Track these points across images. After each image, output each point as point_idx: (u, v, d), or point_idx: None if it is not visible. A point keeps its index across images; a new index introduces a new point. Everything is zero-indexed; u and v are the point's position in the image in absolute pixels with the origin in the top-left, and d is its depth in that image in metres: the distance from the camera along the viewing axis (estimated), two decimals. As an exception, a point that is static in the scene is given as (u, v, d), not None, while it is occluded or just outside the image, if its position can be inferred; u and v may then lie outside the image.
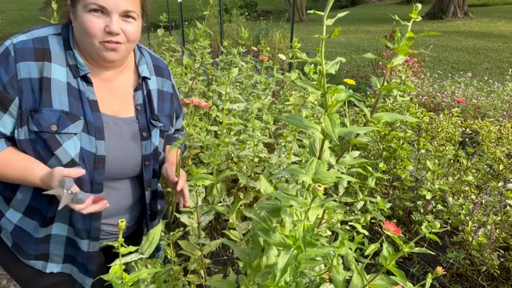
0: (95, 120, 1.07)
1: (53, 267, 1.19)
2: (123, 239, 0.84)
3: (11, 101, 1.00)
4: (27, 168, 1.03)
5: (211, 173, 1.29)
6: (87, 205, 0.99)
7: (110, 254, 1.17)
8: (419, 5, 0.82)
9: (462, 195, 2.43)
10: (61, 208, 0.96)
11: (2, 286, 2.32)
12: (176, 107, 1.33)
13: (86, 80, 1.08)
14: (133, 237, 1.35)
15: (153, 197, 1.27)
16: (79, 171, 1.00)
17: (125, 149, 1.13)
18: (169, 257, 1.70)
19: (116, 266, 0.84)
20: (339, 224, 1.43)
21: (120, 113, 1.14)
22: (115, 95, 1.15)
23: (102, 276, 0.88)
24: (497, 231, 1.91)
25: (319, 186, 0.73)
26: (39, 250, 1.15)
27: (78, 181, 1.04)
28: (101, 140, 1.06)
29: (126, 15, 1.05)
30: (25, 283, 1.24)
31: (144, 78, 1.21)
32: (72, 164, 1.03)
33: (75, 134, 1.03)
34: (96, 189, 1.09)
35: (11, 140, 1.06)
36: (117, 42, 1.05)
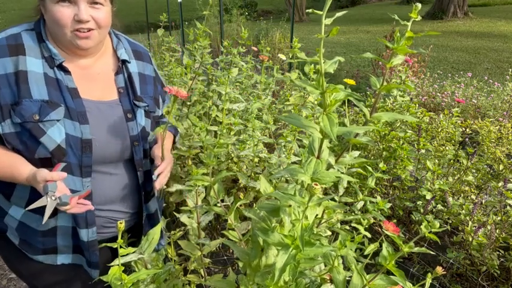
0: (77, 106, 1.09)
1: (63, 259, 1.20)
2: (122, 241, 0.84)
3: None
4: (12, 167, 1.05)
5: (211, 173, 1.29)
6: (72, 205, 1.01)
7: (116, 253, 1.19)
8: (419, 5, 0.82)
9: (462, 195, 2.43)
10: (47, 218, 0.98)
11: (2, 286, 2.32)
12: (160, 91, 1.36)
13: (63, 69, 1.11)
14: (135, 229, 1.37)
15: (146, 179, 1.28)
16: (61, 175, 1.01)
17: (111, 131, 1.16)
18: (169, 256, 1.70)
19: (115, 267, 0.84)
20: (339, 224, 1.43)
21: (102, 97, 1.17)
22: (96, 81, 1.18)
23: (101, 277, 0.88)
24: (497, 231, 1.91)
25: (316, 184, 0.73)
26: (47, 243, 1.16)
27: (68, 167, 1.07)
28: (85, 124, 1.09)
29: (93, 1, 1.08)
30: (34, 280, 1.24)
31: (124, 62, 1.24)
32: (59, 150, 1.05)
33: (57, 120, 1.06)
34: (85, 172, 1.11)
35: None
36: (89, 30, 1.09)
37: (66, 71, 1.11)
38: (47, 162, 1.06)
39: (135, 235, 1.39)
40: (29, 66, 1.06)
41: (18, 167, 1.04)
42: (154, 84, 1.33)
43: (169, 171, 1.25)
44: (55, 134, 1.05)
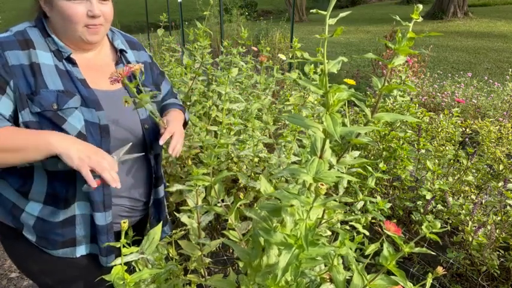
0: (90, 95, 1.12)
1: (82, 250, 1.22)
2: (125, 240, 0.84)
3: (6, 83, 1.04)
4: (34, 133, 1.04)
5: (211, 173, 1.29)
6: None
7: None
8: (421, 6, 0.82)
9: (462, 195, 2.43)
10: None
11: (2, 286, 2.32)
12: (157, 75, 1.42)
13: (71, 61, 1.14)
14: (141, 225, 1.42)
15: (156, 161, 1.33)
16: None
17: (123, 116, 1.20)
18: (171, 255, 1.70)
19: (118, 266, 0.84)
20: (339, 224, 1.43)
21: (108, 87, 1.20)
22: (99, 72, 1.21)
23: (103, 277, 0.88)
24: (497, 231, 1.91)
25: (322, 185, 0.73)
26: (67, 235, 1.17)
27: None
28: (100, 111, 1.13)
29: None
30: (48, 277, 1.25)
31: (122, 52, 1.29)
32: (80, 136, 1.09)
33: (75, 108, 1.09)
34: None
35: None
36: (99, 25, 1.13)
37: (73, 63, 1.14)
38: None
39: (139, 233, 1.42)
40: (41, 59, 1.08)
41: (40, 131, 1.05)
42: (151, 69, 1.38)
43: (182, 143, 1.27)
44: (75, 121, 1.08)
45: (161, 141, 1.20)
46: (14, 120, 1.07)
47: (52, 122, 1.06)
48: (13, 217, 1.17)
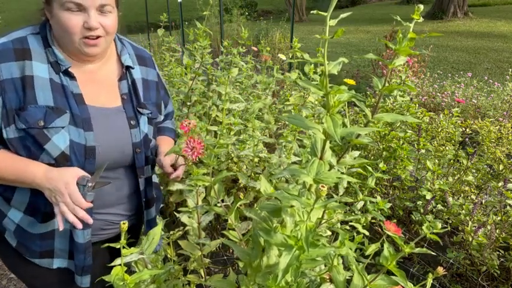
0: (81, 113, 1.08)
1: (59, 263, 1.19)
2: (125, 241, 0.84)
3: None
4: (21, 167, 1.04)
5: (211, 173, 1.29)
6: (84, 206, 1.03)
7: (112, 254, 1.17)
8: (422, 6, 0.82)
9: (462, 195, 2.43)
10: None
11: (2, 286, 2.32)
12: (163, 95, 1.36)
13: (69, 74, 1.09)
14: (134, 229, 1.37)
15: (147, 184, 1.28)
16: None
17: (114, 138, 1.15)
18: (169, 256, 1.70)
19: (118, 267, 0.84)
20: (339, 224, 1.43)
21: (106, 104, 1.16)
22: (100, 86, 1.17)
23: (103, 277, 0.88)
24: (497, 231, 1.91)
25: (323, 186, 0.73)
26: (44, 246, 1.16)
27: None
28: (89, 131, 1.08)
29: (102, 8, 1.06)
30: (33, 281, 1.24)
31: (128, 68, 1.23)
32: (63, 156, 1.05)
33: (62, 127, 1.05)
34: None
35: (2, 144, 1.07)
36: (98, 37, 1.08)
37: (71, 77, 1.10)
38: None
39: (133, 236, 1.39)
40: (35, 71, 1.04)
41: (28, 166, 1.04)
42: (157, 89, 1.32)
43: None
44: (60, 140, 1.04)
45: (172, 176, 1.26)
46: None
47: (35, 140, 1.03)
48: None
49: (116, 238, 1.31)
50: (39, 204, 1.11)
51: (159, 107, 1.32)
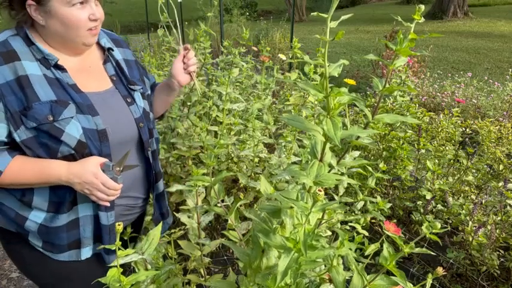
0: (83, 100, 1.11)
1: (87, 252, 1.22)
2: (120, 242, 0.84)
3: None
4: (44, 169, 1.07)
5: (211, 173, 1.29)
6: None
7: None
8: (422, 6, 0.82)
9: (462, 195, 2.43)
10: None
11: (2, 286, 2.32)
12: (142, 71, 1.42)
13: (59, 67, 1.12)
14: (137, 223, 1.42)
15: (154, 158, 1.33)
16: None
17: (118, 117, 1.19)
18: (169, 255, 1.70)
19: (114, 268, 0.83)
20: (339, 224, 1.43)
21: (99, 88, 1.20)
22: (89, 73, 1.21)
23: (99, 279, 0.87)
24: (497, 231, 1.91)
25: (320, 191, 0.73)
26: (72, 237, 1.18)
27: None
28: (96, 116, 1.12)
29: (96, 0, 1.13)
30: (56, 281, 1.25)
31: (109, 50, 1.28)
32: (80, 144, 1.08)
33: (71, 117, 1.07)
34: None
35: (15, 149, 1.09)
36: (96, 27, 1.14)
37: (62, 69, 1.12)
38: (71, 159, 1.09)
39: (137, 229, 1.44)
40: (28, 70, 1.05)
41: (50, 165, 1.07)
42: (137, 66, 1.38)
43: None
44: (73, 130, 1.07)
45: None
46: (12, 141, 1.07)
47: (50, 134, 1.05)
48: (17, 225, 1.16)
49: (133, 224, 1.39)
50: (61, 198, 1.14)
51: (144, 82, 1.38)
